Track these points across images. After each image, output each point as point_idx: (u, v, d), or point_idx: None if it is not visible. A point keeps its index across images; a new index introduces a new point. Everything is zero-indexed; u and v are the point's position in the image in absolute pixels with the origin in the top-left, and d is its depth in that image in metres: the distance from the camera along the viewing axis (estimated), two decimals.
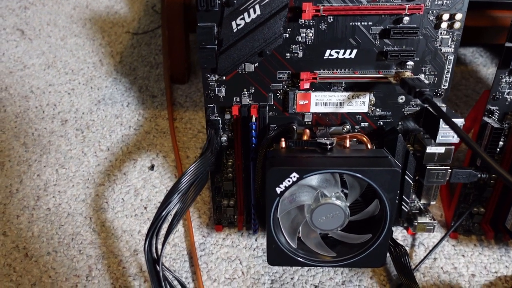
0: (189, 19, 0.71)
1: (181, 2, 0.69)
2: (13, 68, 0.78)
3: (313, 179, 0.38)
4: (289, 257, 0.40)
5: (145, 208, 0.57)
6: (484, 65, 0.77)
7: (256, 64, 0.43)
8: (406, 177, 0.46)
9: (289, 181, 0.36)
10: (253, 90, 0.45)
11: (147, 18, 0.90)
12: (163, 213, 0.38)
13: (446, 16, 0.40)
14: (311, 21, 0.41)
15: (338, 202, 0.38)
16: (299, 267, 0.49)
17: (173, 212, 0.40)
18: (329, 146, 0.39)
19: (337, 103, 0.45)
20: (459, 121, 0.41)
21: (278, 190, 0.37)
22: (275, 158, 0.38)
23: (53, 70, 0.78)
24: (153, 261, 0.39)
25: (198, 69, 0.78)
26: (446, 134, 0.41)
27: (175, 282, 0.44)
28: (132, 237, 0.53)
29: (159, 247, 0.40)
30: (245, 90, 0.45)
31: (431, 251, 0.50)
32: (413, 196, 0.49)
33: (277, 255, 0.40)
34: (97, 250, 0.51)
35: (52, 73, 0.77)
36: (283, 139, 0.41)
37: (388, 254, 0.48)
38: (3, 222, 0.54)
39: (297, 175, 0.36)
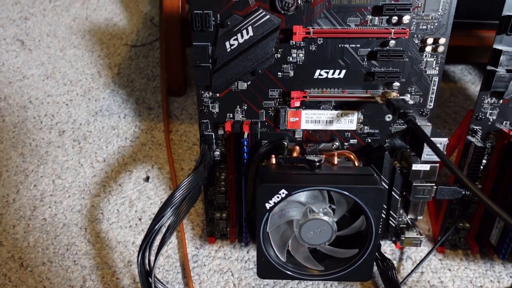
0: (186, 33, 0.72)
1: (178, 16, 0.71)
2: (12, 78, 0.80)
3: (302, 195, 0.40)
4: (278, 270, 0.42)
5: (140, 219, 0.58)
6: (473, 83, 0.79)
7: (249, 82, 0.45)
8: (393, 192, 0.48)
9: (278, 197, 0.38)
10: (245, 107, 0.46)
11: (145, 31, 0.92)
12: (156, 226, 0.39)
13: (430, 40, 0.42)
14: (302, 43, 0.43)
15: (325, 218, 0.39)
16: (289, 280, 0.50)
17: (166, 225, 0.41)
18: (318, 163, 0.40)
19: (326, 120, 0.46)
20: (443, 140, 0.42)
21: (268, 205, 0.38)
22: (265, 174, 0.40)
23: (51, 80, 0.79)
24: (146, 273, 0.40)
25: (194, 83, 0.79)
26: (430, 153, 0.43)
27: None
28: (126, 248, 0.54)
29: (152, 259, 0.41)
30: (238, 106, 0.46)
31: (418, 264, 0.52)
32: (401, 211, 0.51)
33: (266, 268, 0.42)
34: (91, 260, 0.52)
35: (50, 83, 0.79)
36: (273, 156, 0.42)
37: (375, 268, 0.50)
38: None
39: (286, 192, 0.37)
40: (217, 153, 0.48)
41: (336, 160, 0.42)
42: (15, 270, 0.51)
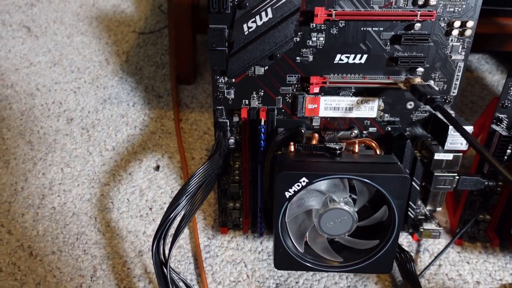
0: (196, 19, 0.71)
1: (189, 2, 0.69)
2: (19, 65, 0.78)
3: (322, 184, 0.38)
4: (296, 261, 0.40)
5: (150, 209, 0.56)
6: (490, 72, 0.77)
7: (266, 67, 0.43)
8: (413, 183, 0.46)
9: (298, 185, 0.36)
10: (262, 93, 0.45)
11: (153, 18, 0.90)
12: (171, 215, 0.38)
13: (457, 24, 0.40)
14: (323, 25, 0.41)
15: (346, 208, 0.38)
16: (304, 271, 0.49)
17: (181, 214, 0.40)
18: (338, 151, 0.38)
19: (346, 107, 0.45)
20: (469, 128, 0.41)
21: (287, 194, 0.37)
22: (284, 162, 0.38)
23: (59, 68, 0.78)
24: (161, 264, 0.39)
25: (205, 70, 0.78)
26: (454, 141, 0.41)
27: (181, 284, 0.44)
28: (137, 238, 0.53)
29: (166, 249, 0.39)
30: (254, 93, 0.45)
31: (436, 257, 0.50)
32: (419, 202, 0.49)
33: (284, 259, 0.40)
34: (102, 250, 0.51)
35: (58, 71, 0.77)
36: (292, 143, 0.41)
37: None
38: (8, 220, 0.54)
39: (306, 180, 0.36)
40: (231, 141, 0.47)
41: (357, 148, 0.40)
42: (24, 259, 0.50)
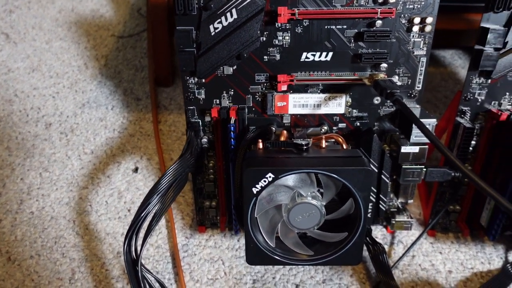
0: (173, 22, 0.71)
1: (165, 5, 0.70)
2: None
3: (289, 179, 0.39)
4: (268, 256, 0.41)
5: (129, 210, 0.57)
6: (463, 67, 0.79)
7: (235, 67, 0.44)
8: (383, 176, 0.47)
9: (265, 181, 0.37)
10: (232, 93, 0.45)
11: (132, 22, 0.90)
12: (142, 214, 0.39)
13: (417, 20, 0.41)
14: (287, 25, 0.42)
15: (314, 202, 0.39)
16: (281, 267, 0.50)
17: (152, 213, 0.40)
18: (305, 147, 0.39)
19: (314, 104, 0.45)
20: (431, 121, 0.42)
21: (255, 190, 0.38)
22: (251, 159, 0.39)
23: (37, 73, 0.78)
24: (132, 262, 0.39)
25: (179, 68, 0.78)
26: (419, 134, 0.42)
27: (157, 285, 0.45)
28: (116, 239, 0.53)
29: (139, 248, 0.40)
30: (224, 92, 0.45)
31: (409, 248, 0.51)
32: (391, 195, 0.50)
33: (255, 255, 0.41)
34: (80, 253, 0.52)
35: (36, 76, 0.77)
36: (260, 140, 0.42)
37: (367, 252, 0.49)
38: None
39: (272, 175, 0.37)
40: (204, 140, 0.48)
41: (324, 144, 0.41)
42: (2, 264, 0.50)
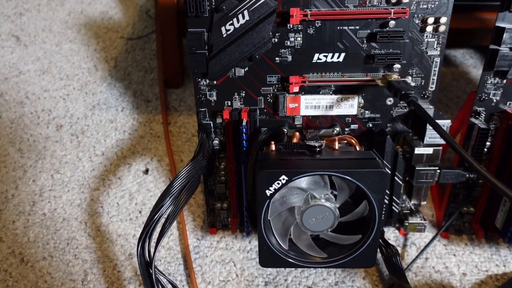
0: (182, 24, 0.71)
1: (174, 7, 0.70)
2: (8, 74, 0.79)
3: (303, 181, 0.39)
4: (281, 258, 0.41)
5: (140, 212, 0.57)
6: (474, 66, 0.78)
7: (246, 69, 0.44)
8: (395, 178, 0.47)
9: (278, 183, 0.37)
10: (243, 94, 0.45)
11: (141, 23, 0.91)
12: (156, 217, 0.39)
13: (431, 20, 0.41)
14: (299, 26, 0.42)
15: (327, 204, 0.39)
16: (293, 269, 0.50)
17: (165, 215, 0.40)
18: (318, 149, 0.39)
19: (326, 106, 0.45)
20: (446, 123, 0.41)
21: (268, 192, 0.37)
22: (264, 161, 0.39)
23: (48, 75, 0.79)
24: (146, 264, 0.39)
25: (190, 70, 0.78)
26: (433, 136, 0.42)
27: (170, 287, 0.45)
28: (127, 241, 0.54)
29: (152, 250, 0.40)
30: (236, 94, 0.45)
31: (422, 250, 0.51)
32: (404, 197, 0.50)
33: (268, 257, 0.41)
34: (92, 254, 0.52)
35: (47, 78, 0.78)
36: (273, 142, 0.41)
37: (379, 255, 0.49)
38: None
39: (286, 178, 0.37)
40: (216, 142, 0.48)
41: (337, 145, 0.41)
42: (15, 265, 0.51)
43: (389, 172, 0.46)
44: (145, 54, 0.83)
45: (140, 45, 0.85)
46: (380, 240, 0.49)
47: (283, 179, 0.37)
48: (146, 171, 0.62)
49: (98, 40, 0.87)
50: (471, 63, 0.79)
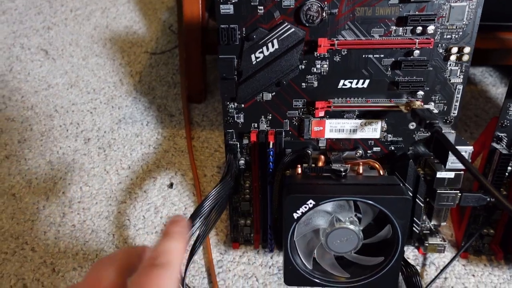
0: (206, 41, 0.74)
1: (199, 25, 0.72)
2: (38, 88, 0.82)
3: (328, 205, 0.40)
4: (305, 277, 0.42)
5: (165, 225, 0.59)
6: (494, 85, 0.79)
7: (274, 93, 0.46)
8: (416, 199, 0.48)
9: (305, 207, 0.38)
10: (270, 117, 0.47)
11: (164, 38, 0.93)
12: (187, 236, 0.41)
13: (455, 50, 0.42)
14: (326, 54, 0.43)
15: (351, 227, 0.40)
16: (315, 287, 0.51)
17: (196, 235, 0.42)
18: (343, 173, 0.41)
19: (350, 129, 0.47)
20: (468, 149, 0.42)
21: (295, 215, 0.39)
22: (292, 185, 0.40)
23: (75, 89, 0.82)
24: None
25: (214, 88, 0.81)
26: (455, 161, 0.43)
27: None
28: None
29: (183, 268, 0.42)
30: (262, 117, 0.47)
31: (442, 270, 0.52)
32: (424, 217, 0.51)
33: (293, 276, 0.43)
34: None
35: (75, 92, 0.81)
36: (299, 166, 0.43)
37: (400, 274, 0.50)
38: (31, 238, 0.58)
39: (313, 202, 0.38)
40: (241, 161, 0.50)
41: (361, 169, 0.42)
42: (47, 275, 0.53)
43: (411, 195, 0.47)
44: (168, 69, 0.86)
45: (164, 60, 0.88)
46: None
47: (310, 203, 0.38)
48: (171, 185, 0.64)
49: (123, 55, 0.90)
50: (490, 82, 0.80)
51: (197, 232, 0.41)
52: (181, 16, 0.72)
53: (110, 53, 0.90)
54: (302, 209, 0.39)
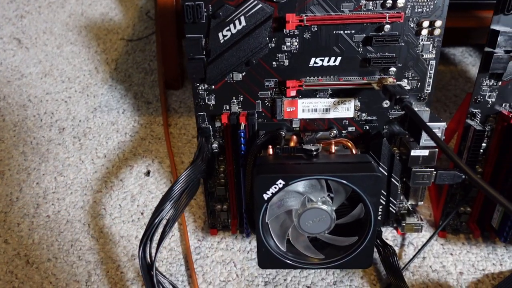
0: (181, 26, 0.72)
1: (173, 9, 0.70)
2: (11, 77, 0.80)
3: (300, 185, 0.40)
4: (279, 260, 0.42)
5: (142, 213, 0.58)
6: (473, 65, 0.78)
7: (244, 73, 0.44)
8: (392, 179, 0.48)
9: (275, 187, 0.38)
10: (241, 98, 0.46)
11: (141, 25, 0.91)
12: (156, 220, 0.40)
13: (426, 23, 0.41)
14: (296, 31, 0.42)
15: (324, 207, 0.39)
16: (292, 269, 0.51)
17: (166, 219, 0.41)
18: (315, 153, 0.40)
19: (323, 109, 0.46)
20: (441, 125, 0.42)
21: (265, 196, 0.38)
22: (262, 166, 0.40)
23: (50, 78, 0.79)
24: (147, 267, 0.40)
25: (189, 76, 0.79)
26: (429, 138, 0.42)
27: (170, 287, 0.46)
28: (130, 242, 0.55)
29: (153, 252, 0.41)
30: (234, 98, 0.46)
31: (419, 250, 0.52)
32: (401, 197, 0.51)
33: (267, 258, 0.42)
34: (95, 255, 0.53)
35: (49, 81, 0.79)
36: (270, 146, 0.42)
37: (377, 255, 0.50)
38: (4, 230, 0.56)
39: (283, 182, 0.37)
40: (215, 145, 0.48)
41: (333, 149, 0.42)
42: (21, 267, 0.52)
43: (386, 174, 0.47)
44: (145, 55, 0.84)
45: (140, 47, 0.86)
46: (378, 240, 0.49)
47: (280, 183, 0.37)
48: (148, 173, 0.63)
49: (99, 42, 0.87)
50: (470, 62, 0.79)
51: (167, 216, 0.40)
52: (156, 1, 0.70)
53: (85, 40, 0.88)
54: (272, 189, 0.38)
